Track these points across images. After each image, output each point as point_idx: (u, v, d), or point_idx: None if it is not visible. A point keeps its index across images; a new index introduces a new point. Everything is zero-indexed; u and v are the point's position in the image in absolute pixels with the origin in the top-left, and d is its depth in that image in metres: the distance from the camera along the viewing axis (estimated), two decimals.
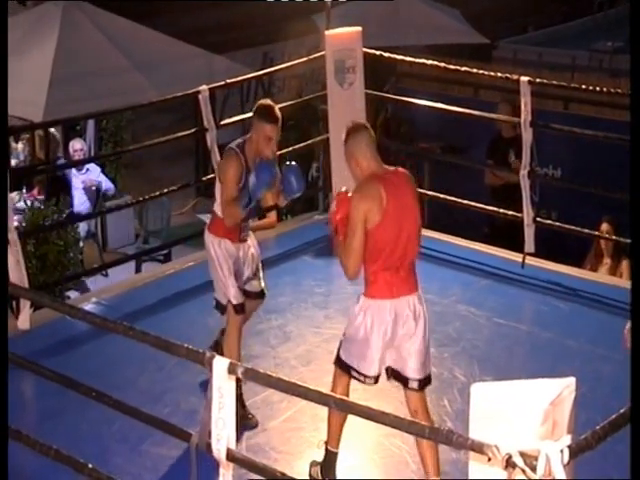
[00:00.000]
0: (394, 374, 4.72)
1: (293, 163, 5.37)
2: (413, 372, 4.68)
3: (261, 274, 5.54)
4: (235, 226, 5.32)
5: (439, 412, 5.41)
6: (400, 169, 4.73)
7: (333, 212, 4.62)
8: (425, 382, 4.74)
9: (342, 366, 4.71)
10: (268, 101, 5.39)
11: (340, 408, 3.06)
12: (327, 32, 7.89)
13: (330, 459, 4.79)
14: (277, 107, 5.30)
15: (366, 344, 4.58)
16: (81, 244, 9.05)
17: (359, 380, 4.68)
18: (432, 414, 4.78)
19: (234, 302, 5.27)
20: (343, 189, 4.70)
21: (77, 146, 10.28)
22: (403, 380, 4.70)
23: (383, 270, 4.52)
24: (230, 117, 8.34)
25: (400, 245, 4.51)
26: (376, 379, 4.69)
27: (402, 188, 4.59)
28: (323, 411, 4.82)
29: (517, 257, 7.24)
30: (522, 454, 2.62)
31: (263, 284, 5.54)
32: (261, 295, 5.54)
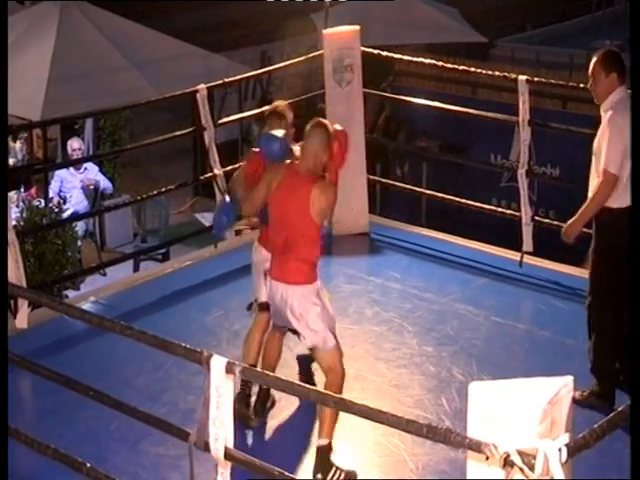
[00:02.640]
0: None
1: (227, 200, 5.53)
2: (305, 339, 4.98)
3: None
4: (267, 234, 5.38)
5: (437, 411, 5.41)
6: (313, 178, 4.87)
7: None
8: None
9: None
10: (278, 102, 5.68)
11: (339, 407, 3.05)
12: (325, 31, 7.88)
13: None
14: (283, 106, 5.53)
15: None
16: (79, 243, 9.07)
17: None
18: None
19: (259, 300, 5.39)
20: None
21: (75, 145, 10.28)
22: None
23: (272, 249, 5.04)
24: (228, 116, 8.34)
25: (281, 236, 4.91)
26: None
27: (299, 190, 4.85)
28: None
29: (515, 256, 7.23)
30: (520, 453, 2.62)
31: None
32: None
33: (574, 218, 5.36)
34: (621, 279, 5.13)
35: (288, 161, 5.02)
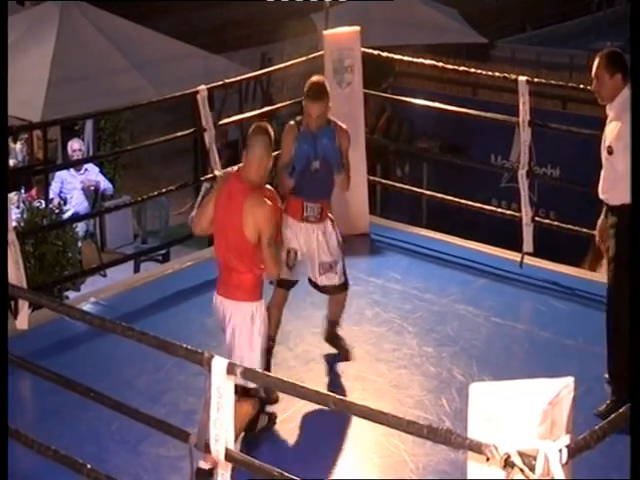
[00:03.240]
0: None
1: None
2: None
3: (334, 267, 5.67)
4: (298, 204, 5.57)
5: (437, 412, 5.41)
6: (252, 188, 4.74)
7: None
8: (242, 391, 4.48)
9: None
10: (316, 78, 5.75)
11: (339, 408, 3.06)
12: (325, 32, 7.88)
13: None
14: (322, 84, 5.64)
15: None
16: (79, 244, 9.06)
17: None
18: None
19: (279, 276, 5.43)
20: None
21: (75, 146, 10.28)
22: None
23: (217, 262, 4.88)
24: (229, 117, 8.33)
25: (222, 249, 4.77)
26: None
27: (235, 200, 4.70)
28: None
29: (515, 256, 7.23)
30: (520, 454, 2.62)
31: (322, 278, 5.69)
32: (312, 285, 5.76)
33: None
34: None
35: (235, 168, 4.93)
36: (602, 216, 5.45)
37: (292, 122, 5.70)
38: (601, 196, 5.35)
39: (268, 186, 4.84)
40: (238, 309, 4.75)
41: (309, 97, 5.59)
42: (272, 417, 5.28)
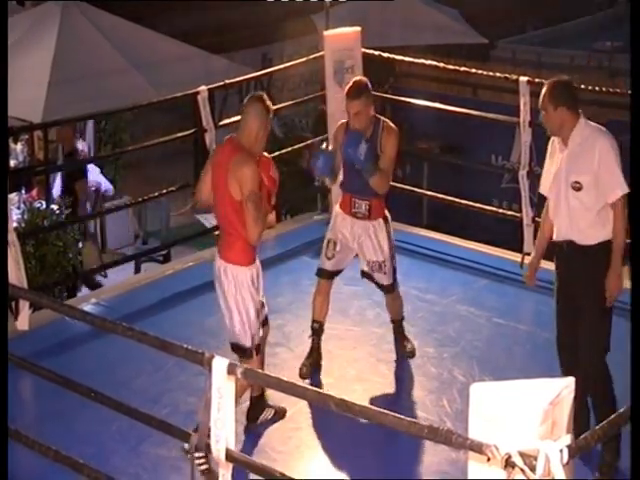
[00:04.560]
0: None
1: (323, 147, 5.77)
2: (229, 334, 5.04)
3: (383, 267, 5.77)
4: (346, 198, 5.72)
5: (438, 412, 5.41)
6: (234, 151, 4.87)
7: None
8: (237, 349, 5.00)
9: None
10: (357, 77, 5.86)
11: (340, 409, 3.05)
12: (326, 32, 7.88)
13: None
14: (360, 82, 5.66)
15: None
16: (80, 245, 9.05)
17: None
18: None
19: (320, 266, 5.83)
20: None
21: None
22: None
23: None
24: (229, 117, 8.33)
25: (219, 215, 4.99)
26: None
27: (225, 161, 4.84)
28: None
29: (516, 257, 7.23)
30: (521, 454, 2.62)
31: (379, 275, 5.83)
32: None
33: (610, 272, 4.86)
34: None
35: (233, 135, 4.98)
36: (559, 261, 5.14)
37: (343, 121, 5.76)
38: (565, 237, 4.98)
39: (265, 154, 4.97)
40: (227, 270, 4.93)
41: (346, 95, 5.61)
42: (280, 411, 5.29)
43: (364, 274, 5.86)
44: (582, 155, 4.84)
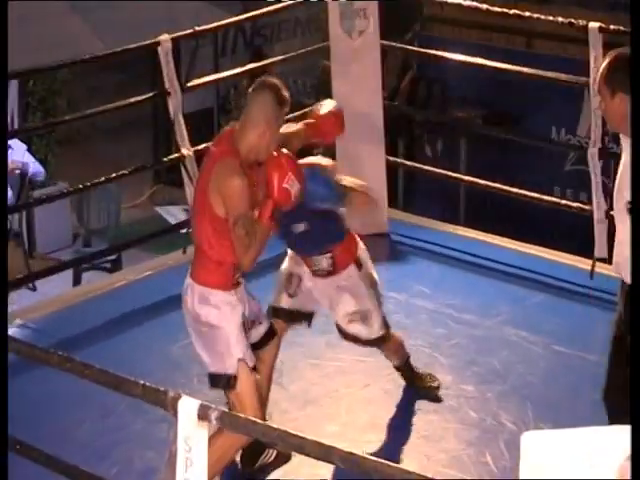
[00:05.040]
0: None
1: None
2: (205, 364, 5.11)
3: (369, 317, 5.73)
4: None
5: (479, 471, 5.43)
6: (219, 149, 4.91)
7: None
8: (214, 380, 5.06)
9: None
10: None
11: (347, 464, 3.08)
12: None
13: None
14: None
15: None
16: None
17: None
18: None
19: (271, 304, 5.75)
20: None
21: None
22: None
23: None
24: (200, 77, 8.36)
25: (195, 227, 5.06)
26: None
27: (207, 163, 4.96)
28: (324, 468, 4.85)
29: (585, 264, 7.25)
30: None
31: None
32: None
33: None
34: None
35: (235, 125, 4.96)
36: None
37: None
38: (617, 271, 4.91)
39: (285, 151, 4.96)
40: (198, 292, 4.97)
41: None
42: (284, 455, 5.35)
43: (342, 332, 5.74)
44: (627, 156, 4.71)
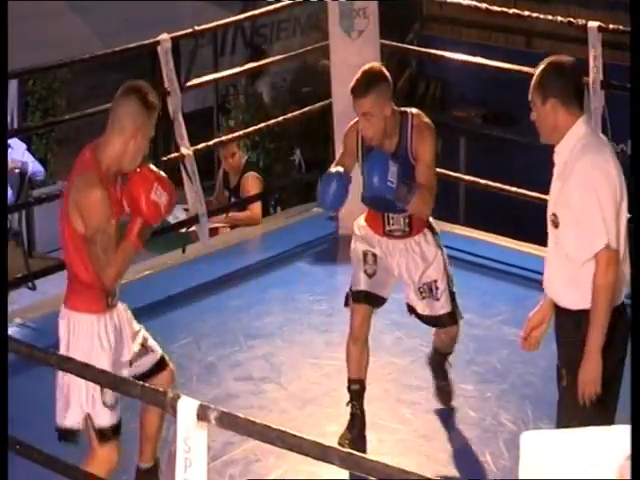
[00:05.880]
0: None
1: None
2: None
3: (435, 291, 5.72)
4: (378, 215, 5.62)
5: (479, 471, 5.43)
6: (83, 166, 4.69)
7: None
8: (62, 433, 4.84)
9: None
10: (367, 66, 5.60)
11: (346, 465, 3.08)
12: None
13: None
14: (370, 72, 5.54)
15: None
16: None
17: None
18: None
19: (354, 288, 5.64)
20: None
21: None
22: None
23: None
24: (199, 77, 8.36)
25: (62, 247, 4.89)
26: None
27: (69, 176, 4.73)
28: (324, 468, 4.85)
29: None
30: None
31: None
32: None
33: (585, 359, 4.49)
34: None
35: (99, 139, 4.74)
36: (543, 309, 4.89)
37: (354, 121, 5.59)
38: (546, 290, 4.74)
39: (151, 166, 4.81)
40: (65, 317, 4.84)
41: (351, 92, 5.46)
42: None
43: (410, 308, 5.79)
44: (564, 177, 4.55)
